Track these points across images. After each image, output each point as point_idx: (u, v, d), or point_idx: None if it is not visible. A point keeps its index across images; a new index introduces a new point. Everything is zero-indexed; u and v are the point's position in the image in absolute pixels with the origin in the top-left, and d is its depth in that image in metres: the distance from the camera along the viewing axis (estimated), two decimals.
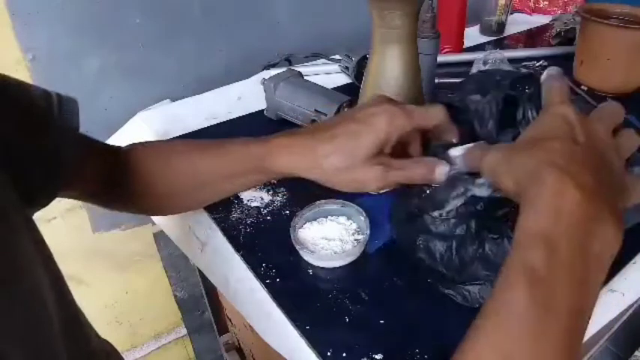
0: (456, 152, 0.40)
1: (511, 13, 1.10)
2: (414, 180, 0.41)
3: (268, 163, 0.43)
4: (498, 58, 0.76)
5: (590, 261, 0.27)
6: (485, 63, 0.76)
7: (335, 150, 0.40)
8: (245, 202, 0.54)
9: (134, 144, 0.48)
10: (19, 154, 0.33)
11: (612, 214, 0.28)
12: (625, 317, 0.53)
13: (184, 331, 1.10)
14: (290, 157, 0.42)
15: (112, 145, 0.47)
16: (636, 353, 0.71)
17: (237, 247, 0.49)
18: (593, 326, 0.43)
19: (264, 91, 0.70)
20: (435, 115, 0.41)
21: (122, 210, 0.49)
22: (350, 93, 0.66)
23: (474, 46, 1.00)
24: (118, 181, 0.45)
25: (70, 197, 0.44)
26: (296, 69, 0.75)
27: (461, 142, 0.42)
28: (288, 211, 0.52)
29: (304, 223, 0.49)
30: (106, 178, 0.45)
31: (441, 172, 0.40)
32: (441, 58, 0.72)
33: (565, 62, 0.84)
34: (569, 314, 0.25)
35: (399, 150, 0.44)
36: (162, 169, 0.46)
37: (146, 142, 0.49)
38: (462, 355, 0.26)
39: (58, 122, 0.37)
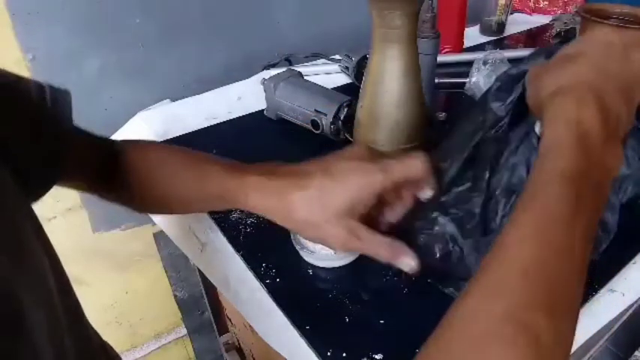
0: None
1: (511, 13, 1.10)
2: (377, 258, 0.40)
3: (242, 202, 0.42)
4: (498, 58, 0.76)
5: (604, 171, 0.30)
6: (485, 63, 0.76)
7: (305, 204, 0.38)
8: None
9: (128, 141, 0.48)
10: (14, 144, 0.33)
11: (621, 141, 0.31)
12: (625, 317, 0.53)
13: (184, 331, 1.10)
14: (262, 201, 0.41)
15: (106, 138, 0.48)
16: (636, 353, 0.71)
17: (237, 247, 0.49)
18: (593, 326, 0.43)
19: (264, 91, 0.71)
20: (415, 169, 0.39)
21: (117, 203, 0.49)
22: (350, 93, 0.66)
23: (474, 46, 1.00)
24: (110, 174, 0.46)
25: (69, 187, 0.45)
26: (296, 69, 0.75)
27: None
28: None
29: None
30: (101, 169, 0.45)
31: (406, 265, 0.39)
32: (441, 58, 0.72)
33: None
34: (590, 211, 0.28)
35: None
36: (148, 174, 0.46)
37: (140, 142, 0.49)
38: (502, 249, 0.28)
39: (51, 113, 0.37)
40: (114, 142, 0.48)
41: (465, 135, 0.43)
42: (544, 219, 0.27)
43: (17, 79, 0.36)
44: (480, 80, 0.75)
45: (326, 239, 0.40)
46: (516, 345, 0.23)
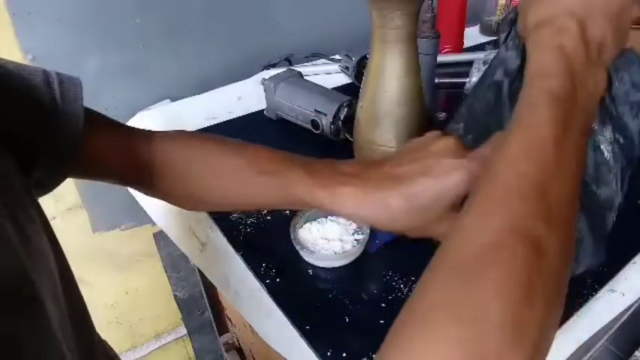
0: None
1: None
2: None
3: (336, 211, 0.40)
4: None
5: (587, 94, 0.31)
6: (485, 63, 0.76)
7: (409, 211, 0.37)
8: None
9: (170, 132, 0.46)
10: (23, 140, 0.33)
11: (605, 65, 0.32)
12: (625, 317, 0.53)
13: (184, 331, 1.10)
14: (361, 213, 0.39)
15: (139, 129, 0.46)
16: (636, 353, 0.71)
17: (237, 247, 0.49)
18: (593, 326, 0.43)
19: (264, 91, 0.71)
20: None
21: (156, 197, 0.47)
22: (350, 93, 0.66)
23: (474, 46, 1.00)
24: (146, 166, 0.44)
25: (98, 179, 0.43)
26: (296, 69, 0.75)
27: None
28: (288, 211, 0.52)
29: (304, 223, 0.49)
30: (132, 160, 0.43)
31: None
32: (441, 58, 0.72)
33: None
34: (578, 132, 0.29)
35: None
36: (200, 171, 0.44)
37: (187, 134, 0.47)
38: (494, 171, 0.28)
39: (60, 107, 0.36)
40: (148, 131, 0.46)
41: (491, 103, 0.42)
42: (534, 138, 0.28)
43: (20, 70, 0.35)
44: None
45: (432, 236, 0.39)
46: (517, 254, 0.23)
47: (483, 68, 0.76)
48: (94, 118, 0.41)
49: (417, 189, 0.37)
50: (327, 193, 0.40)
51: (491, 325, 0.21)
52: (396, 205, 0.37)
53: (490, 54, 0.77)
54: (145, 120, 0.75)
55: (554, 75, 0.30)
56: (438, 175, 0.37)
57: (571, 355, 0.41)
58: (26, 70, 0.35)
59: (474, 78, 0.76)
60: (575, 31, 0.31)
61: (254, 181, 0.43)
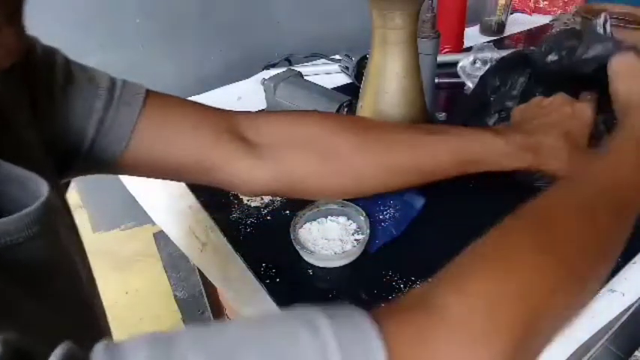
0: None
1: (511, 13, 1.10)
2: None
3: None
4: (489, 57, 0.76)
5: None
6: (484, 63, 0.76)
7: (566, 147, 0.47)
8: (245, 202, 0.54)
9: (315, 111, 0.47)
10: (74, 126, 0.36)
11: None
12: (625, 317, 0.53)
13: None
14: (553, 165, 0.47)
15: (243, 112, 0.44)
16: (636, 353, 0.71)
17: (237, 247, 0.49)
18: (593, 326, 0.43)
19: (264, 91, 0.70)
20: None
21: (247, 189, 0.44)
22: (350, 93, 0.66)
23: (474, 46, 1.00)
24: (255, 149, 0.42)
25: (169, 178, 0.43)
26: (296, 69, 0.75)
27: None
28: (288, 211, 0.52)
29: (304, 223, 0.49)
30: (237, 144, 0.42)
31: None
32: (441, 58, 0.71)
33: None
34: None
35: None
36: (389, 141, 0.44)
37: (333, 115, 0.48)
38: (582, 177, 0.35)
39: (117, 101, 0.39)
40: (260, 114, 0.44)
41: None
42: (614, 160, 0.36)
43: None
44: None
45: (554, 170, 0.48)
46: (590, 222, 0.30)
47: (484, 68, 0.76)
48: (184, 113, 0.42)
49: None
50: (524, 149, 0.46)
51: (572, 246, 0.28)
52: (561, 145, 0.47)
53: (489, 53, 0.77)
54: None
55: None
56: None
57: (571, 355, 0.41)
58: (93, 69, 0.39)
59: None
60: None
61: (426, 141, 0.44)
